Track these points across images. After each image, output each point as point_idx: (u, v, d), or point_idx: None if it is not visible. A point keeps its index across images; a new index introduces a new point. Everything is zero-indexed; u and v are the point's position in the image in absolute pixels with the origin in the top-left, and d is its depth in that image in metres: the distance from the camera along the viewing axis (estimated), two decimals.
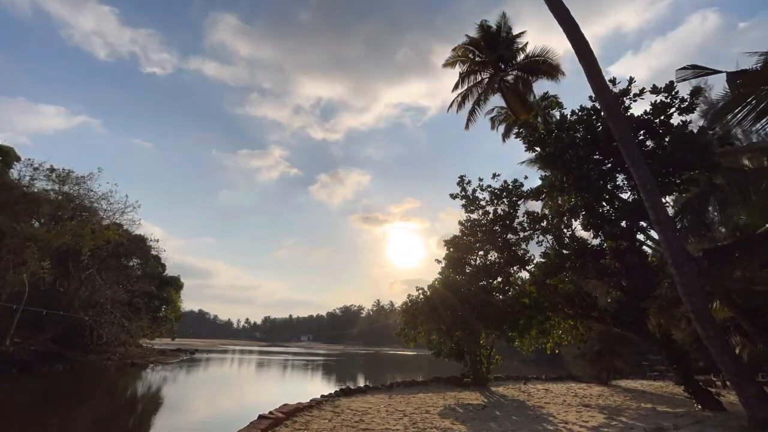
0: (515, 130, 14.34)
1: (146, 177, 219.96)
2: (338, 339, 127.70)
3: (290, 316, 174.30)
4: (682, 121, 11.64)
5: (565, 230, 13.72)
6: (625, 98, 12.20)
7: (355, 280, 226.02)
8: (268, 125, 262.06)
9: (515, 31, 21.69)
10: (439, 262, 16.34)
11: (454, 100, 22.59)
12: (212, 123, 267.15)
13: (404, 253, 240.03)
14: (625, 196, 12.66)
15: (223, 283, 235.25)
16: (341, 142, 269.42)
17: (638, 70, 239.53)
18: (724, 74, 7.86)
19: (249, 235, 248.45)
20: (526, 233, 14.25)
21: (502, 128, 24.38)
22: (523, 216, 14.28)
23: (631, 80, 12.23)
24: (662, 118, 11.82)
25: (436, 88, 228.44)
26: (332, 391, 13.59)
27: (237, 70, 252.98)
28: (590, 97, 12.30)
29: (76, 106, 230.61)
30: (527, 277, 14.98)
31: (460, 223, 15.23)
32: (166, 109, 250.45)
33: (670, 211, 11.72)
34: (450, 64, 22.45)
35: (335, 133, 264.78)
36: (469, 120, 22.67)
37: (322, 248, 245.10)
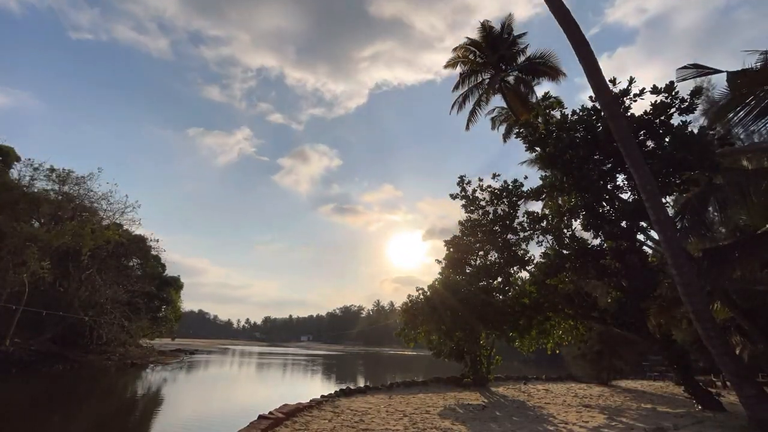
0: (516, 131, 14.33)
1: (96, 160, 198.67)
2: (338, 339, 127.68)
3: (290, 316, 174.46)
4: (682, 121, 11.66)
5: (565, 230, 13.72)
6: (625, 98, 12.22)
7: (346, 279, 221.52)
8: (220, 104, 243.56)
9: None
10: (439, 262, 16.38)
11: (455, 102, 22.62)
12: (157, 99, 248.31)
13: (392, 249, 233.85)
14: (625, 196, 12.68)
15: (212, 281, 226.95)
16: (304, 126, 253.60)
17: (630, 19, 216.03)
18: (725, 74, 7.85)
19: (223, 230, 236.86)
20: (526, 233, 14.25)
21: (502, 128, 24.42)
22: (523, 216, 14.29)
23: (631, 80, 12.26)
24: (662, 118, 11.84)
25: (404, 56, 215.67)
26: (332, 392, 13.59)
27: (175, 40, 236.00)
28: (590, 98, 12.32)
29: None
30: (527, 277, 14.99)
31: (460, 223, 15.28)
32: (103, 82, 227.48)
33: (670, 211, 11.71)
34: (451, 65, 22.48)
35: (299, 124, 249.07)
36: (469, 120, 22.69)
37: (306, 246, 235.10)
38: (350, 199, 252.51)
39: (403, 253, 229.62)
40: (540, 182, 14.19)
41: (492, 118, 24.77)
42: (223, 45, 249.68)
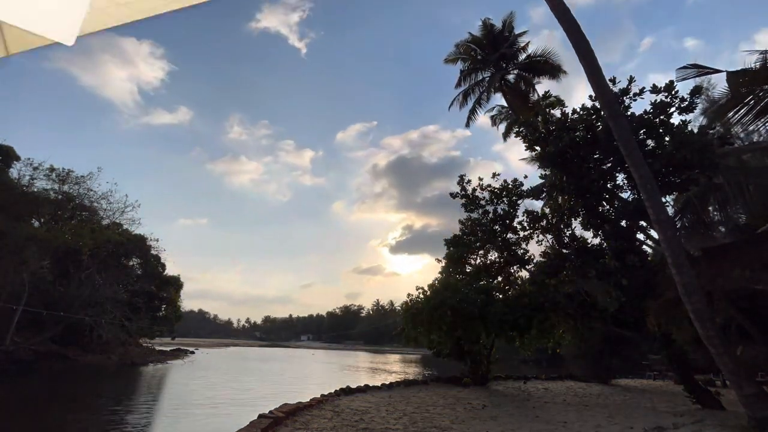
0: (516, 129, 14.35)
1: None
2: (338, 339, 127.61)
3: (290, 315, 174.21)
4: (682, 120, 11.66)
5: (565, 230, 13.73)
6: (625, 97, 12.21)
7: (301, 269, 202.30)
8: None
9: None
10: (439, 261, 16.40)
11: (455, 99, 22.65)
12: None
13: (327, 229, 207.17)
14: (625, 195, 12.68)
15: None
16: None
17: None
18: (725, 73, 7.84)
19: None
20: (526, 233, 14.27)
21: (502, 127, 24.43)
22: (523, 215, 14.30)
23: (631, 79, 12.25)
24: (662, 117, 11.83)
25: None
26: (332, 391, 13.58)
27: None
28: (590, 97, 12.32)
29: None
30: (527, 277, 15.00)
31: (460, 222, 15.32)
32: None
33: (670, 210, 11.71)
34: (451, 60, 22.51)
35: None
36: (469, 118, 22.74)
37: (224, 223, 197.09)
38: (214, 140, 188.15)
39: (341, 232, 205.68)
40: (540, 181, 14.22)
41: (492, 117, 24.80)
42: None
